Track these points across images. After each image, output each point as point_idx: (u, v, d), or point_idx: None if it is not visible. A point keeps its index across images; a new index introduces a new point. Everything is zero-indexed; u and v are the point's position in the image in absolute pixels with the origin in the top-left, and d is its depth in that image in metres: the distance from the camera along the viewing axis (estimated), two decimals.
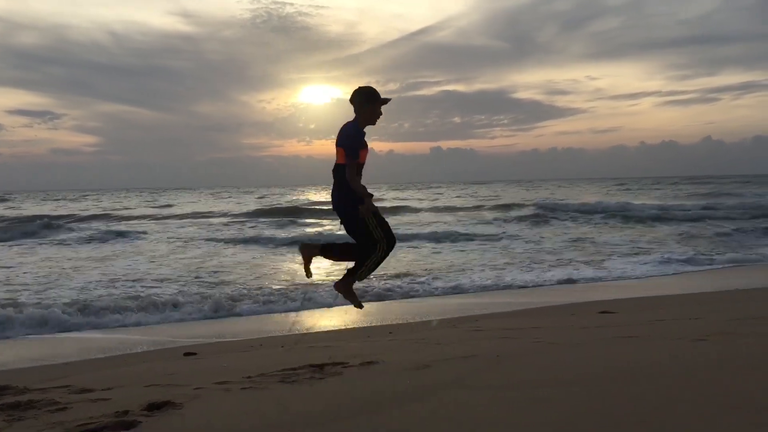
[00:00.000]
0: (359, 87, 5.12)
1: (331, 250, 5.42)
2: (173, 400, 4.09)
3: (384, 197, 58.28)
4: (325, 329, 9.26)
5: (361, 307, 5.53)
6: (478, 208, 42.93)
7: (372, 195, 5.05)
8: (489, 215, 36.09)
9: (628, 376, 4.17)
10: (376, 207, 5.11)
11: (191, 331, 9.54)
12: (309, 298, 11.75)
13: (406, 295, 12.28)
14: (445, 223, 31.33)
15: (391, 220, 5.68)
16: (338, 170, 5.09)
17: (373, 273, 5.33)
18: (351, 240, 5.33)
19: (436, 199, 58.12)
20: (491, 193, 70.92)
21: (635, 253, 17.96)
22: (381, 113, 5.13)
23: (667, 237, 22.79)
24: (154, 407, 3.96)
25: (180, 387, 4.61)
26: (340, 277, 5.39)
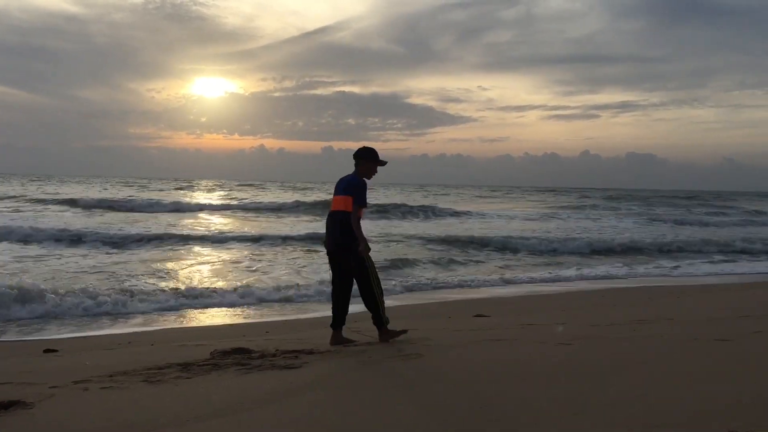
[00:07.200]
0: (366, 146, 5.96)
1: (342, 319, 6.05)
2: (24, 400, 3.85)
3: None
4: (201, 326, 9.01)
5: (405, 331, 6.20)
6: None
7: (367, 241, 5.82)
8: None
9: (489, 377, 4.33)
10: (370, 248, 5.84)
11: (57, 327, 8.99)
12: (188, 294, 11.38)
13: (289, 299, 11.81)
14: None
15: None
16: (339, 216, 5.73)
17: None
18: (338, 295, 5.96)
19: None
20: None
21: None
22: (376, 172, 6.01)
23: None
24: (1, 407, 3.71)
25: (34, 386, 4.34)
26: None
